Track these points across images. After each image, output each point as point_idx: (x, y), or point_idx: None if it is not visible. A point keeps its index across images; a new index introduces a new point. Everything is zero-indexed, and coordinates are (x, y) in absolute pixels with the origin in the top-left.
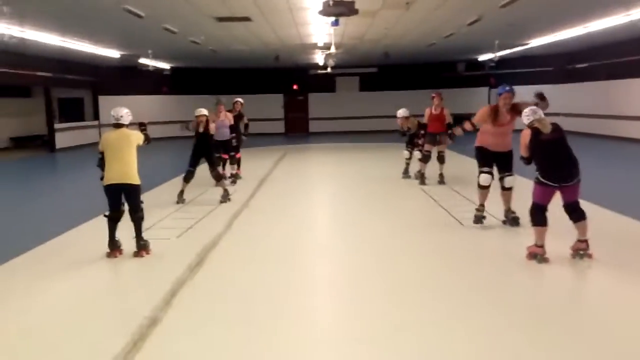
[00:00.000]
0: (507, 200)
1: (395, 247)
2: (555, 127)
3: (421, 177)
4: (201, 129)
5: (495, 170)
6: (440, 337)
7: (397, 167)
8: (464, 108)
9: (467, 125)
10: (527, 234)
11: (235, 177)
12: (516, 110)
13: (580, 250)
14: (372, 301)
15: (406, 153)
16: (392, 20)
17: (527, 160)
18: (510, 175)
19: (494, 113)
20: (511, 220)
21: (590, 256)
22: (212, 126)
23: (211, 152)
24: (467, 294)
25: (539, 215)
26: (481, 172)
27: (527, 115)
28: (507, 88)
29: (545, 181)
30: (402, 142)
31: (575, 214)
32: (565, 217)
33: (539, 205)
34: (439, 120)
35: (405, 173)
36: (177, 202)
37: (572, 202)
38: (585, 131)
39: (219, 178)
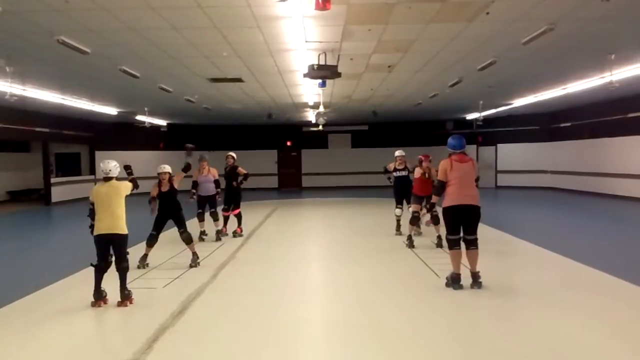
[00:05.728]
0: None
1: (374, 299)
2: None
3: (409, 240)
4: (164, 188)
5: None
6: None
7: (387, 221)
8: None
9: None
10: None
11: (220, 234)
12: None
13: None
14: (354, 352)
15: (398, 211)
16: (376, 82)
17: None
18: None
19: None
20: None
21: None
22: (177, 178)
23: (179, 211)
24: None
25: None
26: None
27: None
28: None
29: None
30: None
31: None
32: None
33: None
34: (427, 183)
35: (398, 230)
36: (138, 267)
37: None
38: (570, 188)
39: (189, 241)
